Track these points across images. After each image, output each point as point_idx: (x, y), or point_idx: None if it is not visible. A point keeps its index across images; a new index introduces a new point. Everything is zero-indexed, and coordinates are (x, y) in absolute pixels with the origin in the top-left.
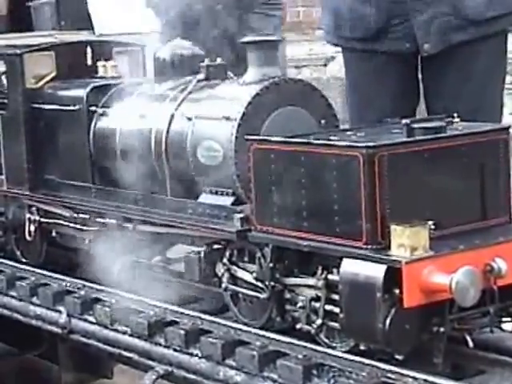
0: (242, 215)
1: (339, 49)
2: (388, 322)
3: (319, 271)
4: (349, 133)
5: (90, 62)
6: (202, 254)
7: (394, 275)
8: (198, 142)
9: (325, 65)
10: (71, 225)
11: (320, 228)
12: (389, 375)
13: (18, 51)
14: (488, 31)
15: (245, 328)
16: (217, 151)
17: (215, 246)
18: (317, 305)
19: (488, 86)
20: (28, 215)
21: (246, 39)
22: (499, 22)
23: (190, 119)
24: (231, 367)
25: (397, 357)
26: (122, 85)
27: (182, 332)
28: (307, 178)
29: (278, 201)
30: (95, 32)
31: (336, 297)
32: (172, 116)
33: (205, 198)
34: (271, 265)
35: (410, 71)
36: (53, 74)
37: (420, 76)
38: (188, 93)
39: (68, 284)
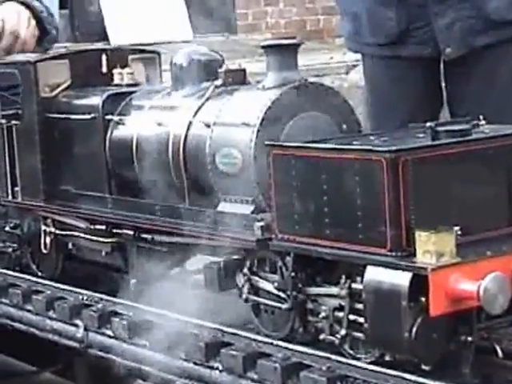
0: (262, 223)
1: (360, 57)
2: (414, 331)
3: (342, 280)
4: (371, 137)
5: (105, 69)
6: (222, 265)
7: (419, 283)
8: (216, 149)
9: (346, 73)
10: (87, 236)
11: (343, 235)
12: None
13: (32, 59)
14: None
15: (266, 340)
16: (236, 158)
17: (235, 256)
18: (340, 314)
19: None
20: (43, 227)
21: (265, 43)
22: None
23: (208, 126)
24: (253, 380)
25: (423, 367)
26: (139, 92)
27: (202, 345)
28: (329, 184)
29: (299, 208)
30: (110, 43)
31: (360, 306)
32: (190, 123)
33: (224, 207)
34: (293, 274)
35: (433, 76)
36: (67, 83)
37: (443, 81)
38: (206, 99)
39: (85, 297)
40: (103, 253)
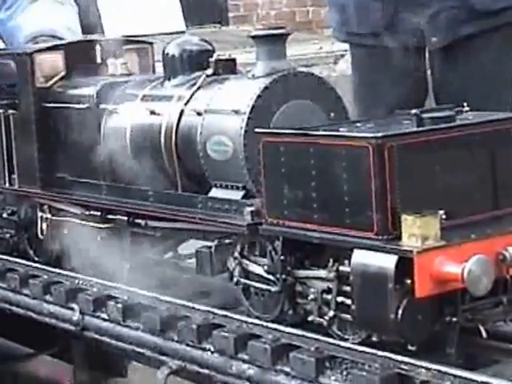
0: (252, 209)
1: (348, 47)
2: (400, 312)
3: (330, 263)
4: (358, 124)
5: (99, 60)
6: (213, 249)
7: (405, 265)
8: (207, 136)
9: (334, 63)
10: (82, 222)
11: (330, 220)
12: (402, 366)
13: (28, 51)
14: (496, 23)
15: (257, 322)
16: (227, 146)
17: (226, 241)
18: (328, 297)
19: (497, 79)
20: (40, 213)
21: (254, 33)
22: (508, 14)
23: (199, 114)
24: (244, 361)
25: (410, 348)
26: (132, 82)
27: (194, 327)
28: (317, 170)
29: (288, 194)
30: (105, 35)
31: (348, 288)
32: (182, 111)
33: (215, 193)
34: (282, 258)
35: (418, 65)
36: (62, 73)
37: (428, 69)
38: (197, 88)
39: (80, 282)
40: (98, 238)
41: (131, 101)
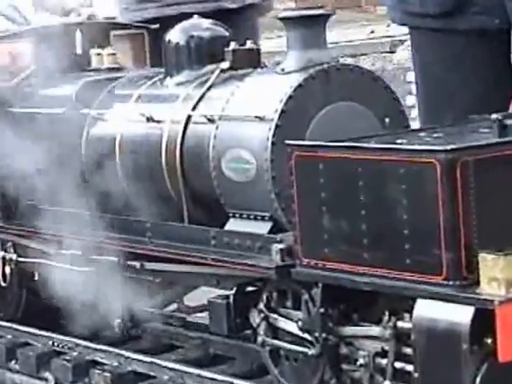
0: (282, 246)
1: (408, 31)
2: (478, 381)
3: (385, 317)
4: (421, 134)
5: (80, 50)
6: (231, 299)
7: (484, 320)
8: (223, 150)
9: (390, 51)
10: (58, 265)
11: (386, 260)
12: None
13: None
14: None
15: None
16: (248, 163)
17: (248, 288)
18: (383, 361)
19: None
20: (1, 253)
21: (284, 14)
22: None
23: (212, 121)
24: None
25: None
26: (123, 79)
27: None
28: (368, 195)
29: (329, 225)
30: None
31: (408, 350)
32: (188, 118)
33: (233, 225)
34: (322, 310)
35: (501, 54)
36: (31, 69)
37: None
38: (209, 87)
39: (56, 343)
40: (79, 285)
41: (122, 104)
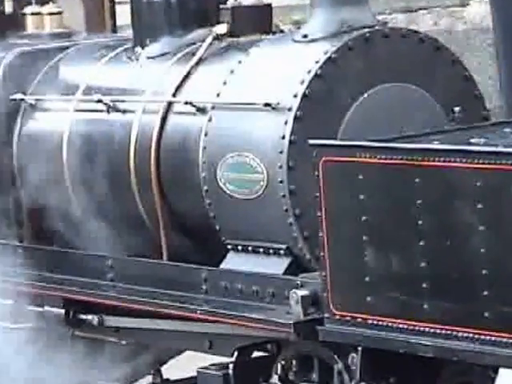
0: (305, 292)
1: None
2: None
3: None
4: (507, 129)
5: (9, 8)
6: (231, 370)
7: None
8: (218, 154)
9: (462, 5)
10: None
11: (455, 313)
12: None
13: None
14: None
15: None
16: (255, 171)
17: (255, 354)
18: None
19: None
20: None
21: None
22: None
23: (202, 111)
24: None
25: None
26: (73, 50)
27: None
28: (429, 218)
29: (374, 262)
30: None
31: None
32: (168, 107)
33: (234, 262)
34: None
35: None
36: None
37: None
38: (197, 62)
39: None
40: (9, 347)
41: (70, 85)
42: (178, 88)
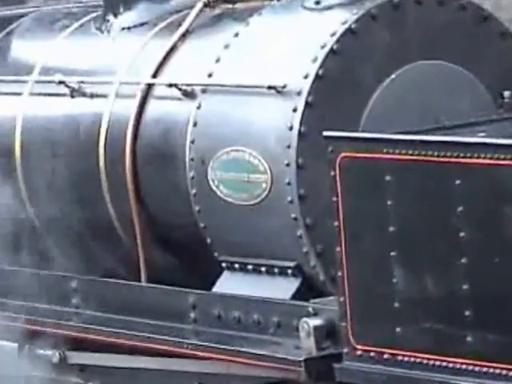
0: (318, 322)
1: None
2: None
3: None
4: None
5: None
6: None
7: None
8: (210, 148)
9: None
10: None
11: (507, 348)
12: None
13: None
14: None
15: None
16: (256, 170)
17: None
18: None
19: None
20: None
21: None
22: None
23: (189, 95)
24: None
25: None
26: (27, 18)
27: None
28: (472, 228)
29: (404, 284)
30: None
31: None
32: (148, 89)
33: (229, 284)
34: None
35: None
36: None
37: None
38: (183, 33)
39: None
40: None
41: (26, 64)
42: (159, 67)
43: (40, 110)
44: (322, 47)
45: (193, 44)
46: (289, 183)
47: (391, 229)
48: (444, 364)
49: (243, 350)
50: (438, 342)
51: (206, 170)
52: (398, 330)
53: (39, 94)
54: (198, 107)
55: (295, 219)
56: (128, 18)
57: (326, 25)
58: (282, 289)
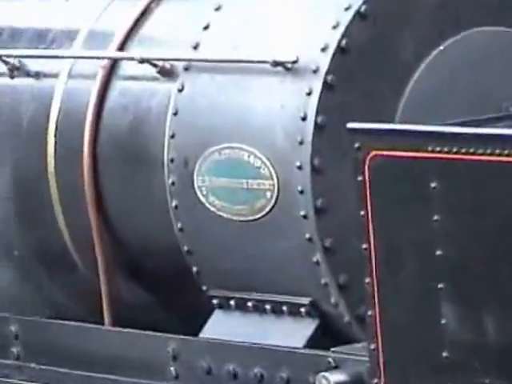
0: (342, 378)
1: None
2: None
3: None
4: None
5: None
6: None
7: None
8: (196, 144)
9: None
10: None
11: None
12: None
13: None
14: None
15: None
16: (258, 175)
17: None
18: None
19: None
20: None
21: None
22: None
23: (168, 74)
24: None
25: None
26: None
27: None
28: None
29: (457, 326)
30: None
31: None
32: (113, 65)
33: (221, 327)
34: None
35: None
36: None
37: None
38: None
39: None
40: None
41: None
42: (127, 36)
43: None
44: (346, 9)
45: (172, 5)
46: (302, 192)
47: (439, 253)
48: None
49: None
50: None
51: (190, 174)
52: None
53: None
54: (180, 90)
55: (310, 240)
56: None
57: None
58: (293, 333)
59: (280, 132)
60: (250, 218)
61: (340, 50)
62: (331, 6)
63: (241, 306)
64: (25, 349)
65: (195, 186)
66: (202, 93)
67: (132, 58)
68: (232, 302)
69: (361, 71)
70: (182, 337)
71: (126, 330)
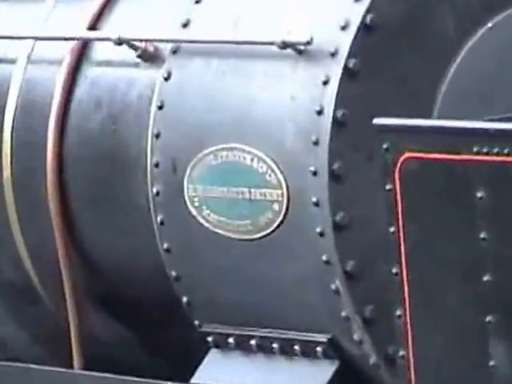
0: None
1: None
2: None
3: None
4: None
5: None
6: None
7: None
8: (187, 145)
9: None
10: None
11: None
12: None
13: None
14: None
15: None
16: (264, 183)
17: None
18: None
19: None
20: None
21: None
22: None
23: (151, 59)
24: None
25: None
26: None
27: None
28: None
29: (507, 364)
30: None
31: None
32: (83, 48)
33: (218, 370)
34: None
35: None
36: None
37: None
38: None
39: None
40: None
41: None
42: (100, 13)
43: None
44: None
45: None
46: (317, 204)
47: (486, 278)
48: None
49: None
50: None
51: (179, 181)
52: None
53: None
54: (167, 78)
55: (328, 263)
56: None
57: None
58: (308, 379)
59: (290, 129)
60: (254, 236)
61: (364, 27)
62: None
63: (242, 345)
64: None
65: (185, 196)
66: (194, 81)
67: (107, 39)
68: (231, 340)
69: (390, 54)
70: (170, 383)
71: (100, 374)
